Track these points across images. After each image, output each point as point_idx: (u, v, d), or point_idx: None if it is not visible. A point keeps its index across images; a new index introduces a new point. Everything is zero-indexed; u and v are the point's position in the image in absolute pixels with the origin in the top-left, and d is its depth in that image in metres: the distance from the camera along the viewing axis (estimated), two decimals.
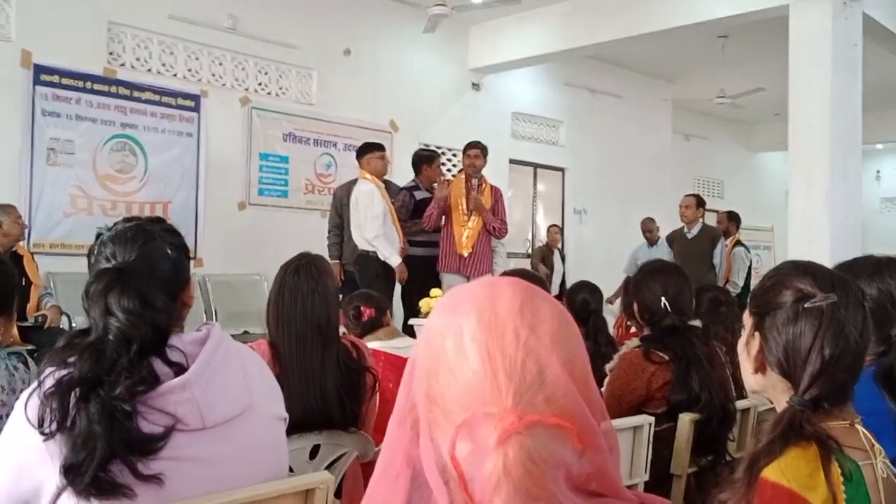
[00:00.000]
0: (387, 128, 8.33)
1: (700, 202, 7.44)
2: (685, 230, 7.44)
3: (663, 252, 8.08)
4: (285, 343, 2.17)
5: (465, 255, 6.16)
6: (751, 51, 9.53)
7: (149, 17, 6.61)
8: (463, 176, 6.31)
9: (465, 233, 6.19)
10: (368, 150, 6.12)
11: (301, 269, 2.23)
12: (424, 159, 6.56)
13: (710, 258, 7.18)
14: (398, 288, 6.15)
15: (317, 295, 2.20)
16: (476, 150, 6.23)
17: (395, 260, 5.83)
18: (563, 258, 9.28)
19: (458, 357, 0.74)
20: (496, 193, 6.35)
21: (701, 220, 7.44)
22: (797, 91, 6.40)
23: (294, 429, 1.84)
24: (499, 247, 6.57)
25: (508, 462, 0.69)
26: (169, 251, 1.43)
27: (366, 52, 8.14)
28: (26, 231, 5.35)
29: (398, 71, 8.46)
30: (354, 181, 6.16)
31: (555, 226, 9.60)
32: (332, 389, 2.15)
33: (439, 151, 8.89)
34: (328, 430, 2.11)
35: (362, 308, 3.10)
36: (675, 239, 7.64)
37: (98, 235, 1.44)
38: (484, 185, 6.28)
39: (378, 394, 2.32)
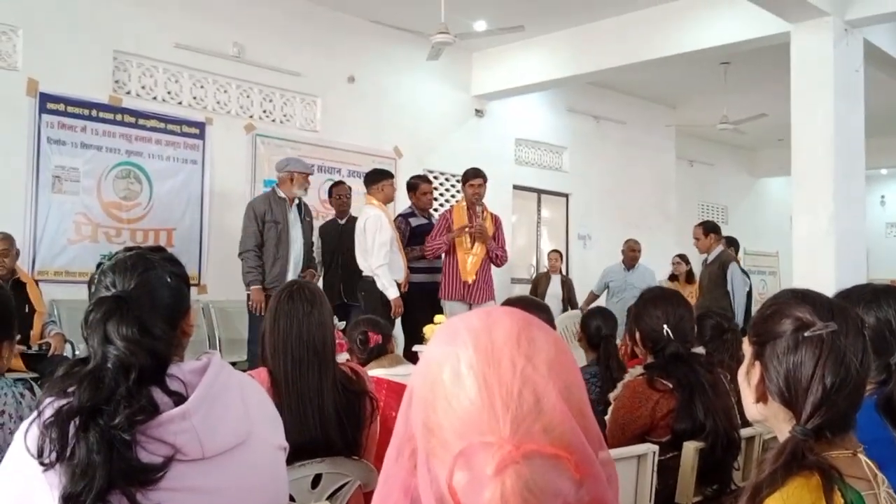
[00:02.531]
0: (390, 154, 8.37)
1: (708, 229, 7.41)
2: (706, 257, 7.44)
3: (640, 278, 7.99)
4: (281, 367, 2.17)
5: (470, 281, 6.16)
6: (753, 77, 9.58)
7: (155, 45, 6.67)
8: (464, 203, 6.33)
9: (471, 259, 6.19)
10: (383, 178, 6.16)
11: (294, 294, 2.25)
12: (409, 187, 6.60)
13: (723, 284, 7.13)
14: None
15: (312, 318, 2.21)
16: (479, 180, 6.26)
17: (392, 293, 5.81)
18: (564, 284, 9.19)
19: (456, 387, 0.74)
20: (496, 221, 6.37)
21: (720, 246, 7.39)
22: (800, 117, 6.43)
23: (295, 455, 1.83)
24: None
25: (506, 491, 0.68)
26: (168, 280, 1.43)
27: (369, 80, 8.20)
28: (21, 259, 5.27)
29: (402, 98, 8.52)
30: (271, 193, 5.92)
31: (555, 251, 9.57)
32: (330, 412, 2.14)
33: (443, 177, 8.99)
34: (330, 456, 2.10)
35: (370, 334, 3.08)
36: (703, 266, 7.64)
37: (99, 265, 1.44)
38: (485, 212, 6.30)
39: (379, 421, 2.30)
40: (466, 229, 6.15)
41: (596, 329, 3.70)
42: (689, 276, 9.00)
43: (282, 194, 5.88)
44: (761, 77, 9.47)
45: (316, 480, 2.09)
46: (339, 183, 7.00)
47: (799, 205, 6.47)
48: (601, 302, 8.01)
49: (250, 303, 5.67)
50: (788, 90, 6.52)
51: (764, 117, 9.68)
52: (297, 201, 5.96)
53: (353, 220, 6.53)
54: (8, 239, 5.03)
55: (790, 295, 1.31)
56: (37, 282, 5.44)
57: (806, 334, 1.23)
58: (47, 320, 5.23)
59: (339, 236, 6.59)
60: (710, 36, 7.53)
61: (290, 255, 5.86)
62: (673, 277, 9.14)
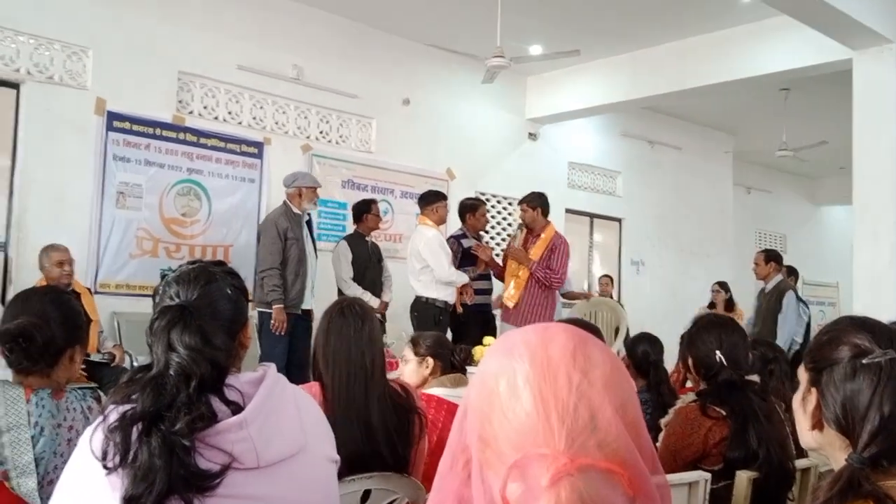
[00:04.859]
0: (443, 176, 8.43)
1: (770, 257, 7.29)
2: (764, 286, 7.31)
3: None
4: (333, 382, 2.21)
5: (510, 305, 6.14)
6: (814, 103, 9.43)
7: (217, 67, 6.86)
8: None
9: (512, 282, 6.17)
10: (438, 199, 6.27)
11: (345, 310, 2.29)
12: (468, 208, 6.61)
13: (779, 313, 7.00)
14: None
15: (363, 335, 2.24)
16: (521, 205, 6.34)
17: (464, 278, 6.06)
18: None
19: (512, 399, 0.75)
20: (552, 243, 6.21)
21: (779, 274, 7.26)
22: (862, 144, 6.30)
23: (346, 469, 1.85)
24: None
25: (561, 503, 0.69)
26: (229, 292, 1.47)
27: (424, 102, 8.29)
28: (82, 270, 5.40)
29: (456, 120, 8.59)
30: (286, 209, 5.86)
31: (606, 276, 9.48)
32: (377, 427, 2.16)
33: (495, 200, 8.99)
34: (380, 471, 2.12)
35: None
36: (759, 295, 7.50)
37: (163, 276, 1.49)
38: (540, 233, 6.23)
39: (426, 439, 2.31)
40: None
41: (643, 354, 3.67)
42: (729, 304, 8.81)
43: (296, 210, 5.90)
44: (822, 104, 9.32)
45: (365, 496, 2.10)
46: (376, 201, 6.75)
47: (860, 234, 6.33)
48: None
49: (273, 322, 5.58)
50: (850, 117, 6.40)
51: (825, 144, 9.51)
52: (306, 217, 6.00)
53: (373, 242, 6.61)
54: (68, 251, 5.19)
55: (848, 322, 1.29)
56: (91, 291, 5.61)
57: (864, 361, 1.21)
58: (100, 330, 5.36)
59: (370, 255, 6.49)
60: (770, 62, 7.44)
61: (308, 272, 5.87)
62: (712, 305, 8.94)
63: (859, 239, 6.35)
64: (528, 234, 6.27)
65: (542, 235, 6.22)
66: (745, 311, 8.33)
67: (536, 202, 6.25)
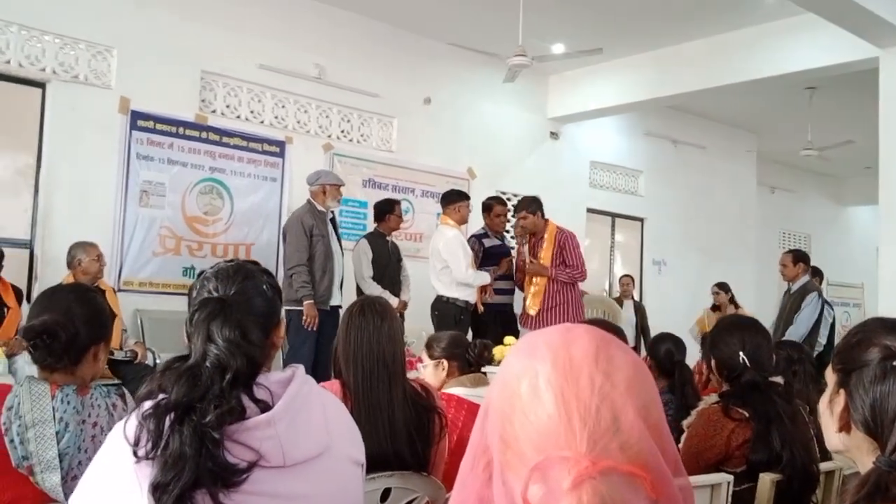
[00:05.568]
0: (464, 175, 8.42)
1: (798, 258, 7.19)
2: (790, 287, 7.24)
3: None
4: (353, 379, 2.20)
5: (532, 313, 6.09)
6: (839, 102, 9.33)
7: (240, 66, 6.90)
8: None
9: (532, 290, 6.13)
10: (460, 199, 6.25)
11: (366, 307, 2.29)
12: (484, 208, 6.61)
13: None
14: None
15: (382, 332, 2.25)
16: (522, 212, 6.22)
17: (487, 278, 6.08)
18: (637, 310, 9.01)
19: (533, 400, 0.75)
20: (559, 240, 6.12)
21: (806, 275, 7.17)
22: (888, 144, 6.23)
23: (367, 467, 1.85)
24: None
25: None
26: (265, 289, 1.49)
27: (445, 101, 8.29)
28: (106, 268, 5.48)
29: (477, 119, 8.58)
30: (311, 206, 5.88)
31: (627, 276, 9.41)
32: (400, 425, 2.16)
33: (516, 200, 8.94)
34: (400, 470, 2.12)
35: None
36: (784, 295, 7.43)
37: (200, 273, 1.51)
38: (543, 235, 6.17)
39: (447, 438, 2.30)
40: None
41: (667, 354, 3.63)
42: (734, 305, 8.71)
43: (321, 207, 5.91)
44: (848, 103, 9.21)
45: (385, 494, 2.10)
46: (399, 202, 6.74)
47: (886, 235, 6.26)
48: None
49: (304, 318, 5.59)
50: (876, 116, 6.32)
51: (850, 144, 9.40)
52: (330, 214, 6.01)
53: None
54: (98, 247, 5.31)
55: (878, 323, 1.27)
56: (114, 290, 5.68)
57: (894, 364, 1.19)
58: (123, 328, 5.42)
59: (390, 254, 6.48)
60: (795, 60, 7.37)
61: (335, 269, 5.88)
62: (715, 308, 8.84)
63: (885, 239, 6.28)
64: (531, 240, 6.23)
65: (546, 236, 6.16)
66: (749, 312, 8.23)
67: (534, 206, 6.19)
